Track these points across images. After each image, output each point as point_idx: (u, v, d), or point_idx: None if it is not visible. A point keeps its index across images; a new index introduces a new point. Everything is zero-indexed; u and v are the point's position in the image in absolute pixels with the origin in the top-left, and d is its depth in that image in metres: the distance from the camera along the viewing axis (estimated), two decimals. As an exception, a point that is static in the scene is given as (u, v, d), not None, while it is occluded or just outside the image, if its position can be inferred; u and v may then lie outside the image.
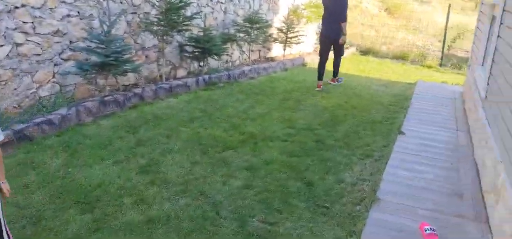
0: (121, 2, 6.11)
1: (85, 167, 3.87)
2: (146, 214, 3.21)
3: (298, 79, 8.55)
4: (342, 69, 8.94)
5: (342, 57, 8.32)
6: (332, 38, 7.86)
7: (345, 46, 8.43)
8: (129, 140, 4.56)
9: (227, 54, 8.78)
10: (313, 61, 10.89)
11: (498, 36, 4.88)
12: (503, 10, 4.81)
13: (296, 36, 9.98)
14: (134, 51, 6.47)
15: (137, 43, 6.56)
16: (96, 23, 5.64)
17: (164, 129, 4.98)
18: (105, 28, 5.38)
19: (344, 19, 7.64)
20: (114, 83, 6.12)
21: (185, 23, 6.73)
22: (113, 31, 5.85)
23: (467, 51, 12.82)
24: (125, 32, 6.27)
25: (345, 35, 7.79)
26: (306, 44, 11.69)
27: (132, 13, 6.35)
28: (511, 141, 3.22)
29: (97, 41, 5.33)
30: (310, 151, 4.63)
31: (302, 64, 10.49)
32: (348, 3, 7.79)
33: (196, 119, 5.43)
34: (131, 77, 6.44)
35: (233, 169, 4.06)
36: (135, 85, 6.48)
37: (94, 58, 5.36)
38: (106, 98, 5.38)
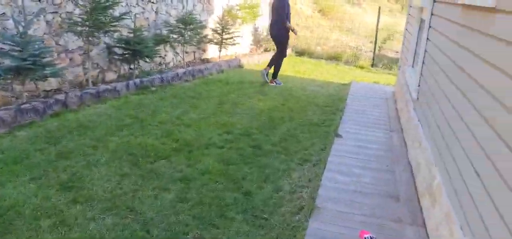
0: (39, 1, 5.59)
1: (-6, 186, 3.43)
2: (66, 238, 2.87)
3: (235, 81, 8.38)
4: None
5: (283, 58, 8.66)
6: (273, 35, 8.61)
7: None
8: (49, 152, 4.13)
9: (160, 56, 8.42)
10: (249, 62, 10.80)
11: (427, 39, 5.01)
12: (432, 14, 4.94)
13: (232, 37, 9.81)
14: (55, 53, 5.95)
15: (60, 45, 6.05)
16: (10, 23, 5.09)
17: (90, 138, 4.58)
18: (21, 29, 4.87)
19: (284, 18, 8.21)
20: (34, 89, 5.60)
21: (113, 23, 6.31)
22: (30, 32, 5.34)
23: (397, 52, 13.37)
24: (45, 33, 5.75)
25: (293, 31, 8.48)
26: (242, 45, 11.56)
27: (52, 12, 5.83)
28: (444, 144, 3.25)
29: (12, 43, 4.81)
30: (248, 158, 4.47)
31: (239, 65, 10.34)
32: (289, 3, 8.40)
33: (126, 127, 5.07)
34: (53, 82, 5.92)
35: (166, 181, 3.79)
36: (58, 90, 5.97)
37: (8, 62, 4.83)
38: (23, 106, 4.87)
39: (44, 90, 5.81)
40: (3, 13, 5.09)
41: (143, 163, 4.11)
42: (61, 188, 3.49)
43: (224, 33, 9.71)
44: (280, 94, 7.63)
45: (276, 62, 8.60)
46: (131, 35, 6.98)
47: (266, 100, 7.04)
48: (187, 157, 4.35)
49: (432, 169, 3.41)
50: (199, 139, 4.91)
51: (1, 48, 4.86)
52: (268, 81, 8.45)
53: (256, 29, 12.38)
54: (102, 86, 6.24)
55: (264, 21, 12.81)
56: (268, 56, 11.88)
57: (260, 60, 11.48)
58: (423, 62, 5.09)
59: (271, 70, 8.60)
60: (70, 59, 6.28)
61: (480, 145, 2.38)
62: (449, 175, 2.93)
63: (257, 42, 12.51)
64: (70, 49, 6.23)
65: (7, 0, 5.11)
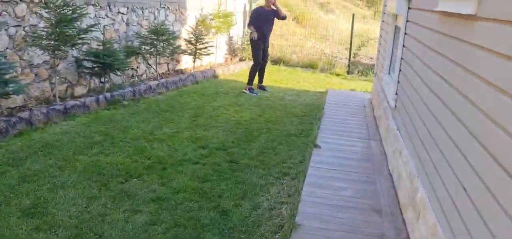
0: (0, 14, 5.30)
1: None
2: (27, 272, 2.64)
3: (210, 93, 8.21)
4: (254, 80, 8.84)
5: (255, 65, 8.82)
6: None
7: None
8: (11, 176, 3.85)
9: (132, 69, 8.17)
10: (224, 72, 10.64)
11: (404, 46, 4.96)
12: (407, 21, 4.90)
13: (206, 48, 9.62)
14: (19, 69, 5.65)
15: (24, 59, 5.74)
16: (-32, 38, 4.80)
17: (56, 159, 4.32)
18: (-20, 44, 4.59)
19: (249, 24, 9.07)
20: (-4, 107, 5.29)
21: (80, 36, 6.04)
22: (-9, 47, 5.06)
23: (372, 58, 13.43)
24: (7, 48, 5.45)
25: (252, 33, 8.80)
26: (217, 55, 11.40)
27: (15, 25, 5.54)
28: (425, 154, 3.15)
29: (-31, 60, 4.53)
30: (224, 173, 4.30)
31: (214, 76, 10.16)
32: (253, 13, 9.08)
33: (96, 144, 4.83)
34: (18, 99, 5.62)
35: (138, 202, 3.58)
36: (24, 107, 5.66)
37: (-34, 79, 4.54)
38: (-18, 126, 4.58)
39: (8, 108, 5.50)
40: (-39, 27, 4.79)
41: (113, 183, 3.88)
42: (23, 215, 3.24)
43: (198, 43, 9.52)
44: (257, 104, 7.49)
45: (250, 70, 8.92)
46: (101, 47, 6.72)
47: (242, 112, 6.89)
48: (160, 175, 4.15)
49: (414, 181, 3.31)
50: (173, 154, 4.71)
51: (-41, 65, 4.56)
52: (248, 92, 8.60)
53: (231, 39, 12.24)
54: (70, 102, 5.96)
55: (238, 31, 12.69)
56: (244, 65, 11.78)
57: (236, 69, 11.33)
58: (400, 70, 5.04)
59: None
60: (36, 75, 5.98)
61: (464, 156, 2.28)
62: (432, 187, 2.83)
63: (232, 51, 12.37)
64: (35, 64, 5.93)
65: (-36, 14, 4.82)
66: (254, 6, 11.69)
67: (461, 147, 2.36)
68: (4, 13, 5.36)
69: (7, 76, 4.90)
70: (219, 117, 6.44)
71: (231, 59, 12.25)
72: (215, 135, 5.55)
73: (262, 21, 8.76)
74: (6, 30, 5.40)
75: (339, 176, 4.35)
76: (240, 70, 11.44)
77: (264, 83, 9.21)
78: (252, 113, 6.84)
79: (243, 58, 12.44)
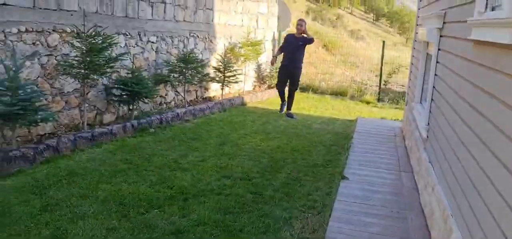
0: (33, 44, 5.44)
1: (-31, 246, 3.15)
2: None
3: (237, 121, 8.15)
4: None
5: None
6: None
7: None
8: (33, 204, 3.85)
9: (161, 96, 8.24)
10: (252, 100, 10.60)
11: (436, 75, 4.76)
12: (439, 49, 4.71)
13: (234, 75, 9.63)
14: (50, 97, 5.77)
15: (55, 87, 5.87)
16: (1, 67, 4.92)
17: (80, 187, 4.32)
18: (11, 73, 4.69)
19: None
20: (26, 133, 5.38)
21: (110, 65, 6.13)
22: (24, 75, 5.18)
23: (403, 86, 13.12)
24: (39, 77, 5.58)
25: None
26: (246, 83, 11.41)
27: (47, 54, 5.68)
28: (461, 192, 2.94)
29: (1, 88, 4.63)
30: (247, 205, 4.17)
31: (242, 103, 10.13)
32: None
33: (120, 173, 4.81)
34: (47, 126, 5.71)
35: (157, 235, 3.49)
36: (53, 134, 5.75)
37: (-2, 107, 4.63)
38: (11, 153, 4.63)
39: (38, 135, 5.60)
40: (-5, 57, 4.93)
41: (134, 214, 3.82)
42: (42, 246, 3.21)
43: (226, 71, 9.55)
44: (284, 133, 7.37)
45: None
46: (129, 75, 6.81)
47: (268, 140, 6.77)
48: (181, 206, 4.06)
49: (448, 220, 3.08)
50: (196, 184, 4.63)
51: (-9, 94, 4.67)
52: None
53: (259, 66, 12.24)
54: (97, 130, 6.01)
55: (267, 58, 12.68)
56: (272, 93, 11.74)
57: (264, 97, 11.28)
58: (431, 99, 4.83)
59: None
60: (66, 102, 6.09)
61: (505, 201, 2.08)
62: (469, 231, 2.61)
63: (260, 79, 12.35)
64: (65, 91, 6.05)
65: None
66: (283, 34, 11.69)
67: (502, 190, 2.15)
68: (37, 43, 5.51)
69: (37, 104, 4.99)
70: (245, 145, 6.35)
71: (260, 86, 12.22)
72: (240, 163, 5.45)
73: (289, 48, 9.05)
74: (38, 59, 5.54)
75: (367, 210, 4.15)
76: (268, 97, 11.38)
77: (292, 111, 9.14)
78: (279, 142, 6.72)
79: (272, 85, 12.39)
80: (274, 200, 4.35)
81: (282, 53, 9.34)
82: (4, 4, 4.98)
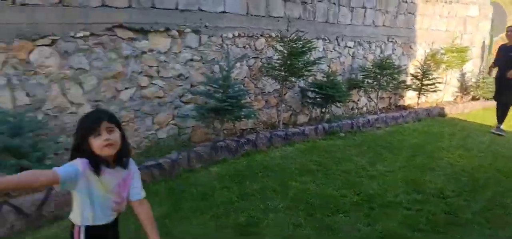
0: (243, 47, 6.11)
1: (183, 220, 3.71)
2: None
3: (433, 132, 7.59)
4: (490, 121, 7.84)
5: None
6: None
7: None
8: (233, 191, 4.33)
9: (353, 101, 8.27)
10: (452, 111, 9.73)
11: None
12: None
13: (433, 84, 8.96)
14: (253, 95, 6.39)
15: (258, 87, 6.48)
16: (217, 67, 5.69)
17: (272, 181, 4.67)
18: (224, 73, 5.37)
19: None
20: (231, 127, 6.08)
21: (307, 68, 6.44)
22: (234, 75, 5.86)
23: None
24: (245, 77, 6.24)
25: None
26: (446, 92, 10.51)
27: (254, 57, 6.31)
28: None
29: (215, 86, 5.34)
30: (439, 226, 3.84)
31: (439, 114, 9.37)
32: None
33: (309, 173, 5.02)
34: (249, 122, 6.36)
35: (340, 239, 3.54)
36: (252, 130, 6.37)
37: (211, 102, 5.36)
38: (218, 144, 5.30)
39: (241, 129, 6.27)
40: (213, 58, 5.72)
41: (320, 215, 3.93)
42: (237, 231, 3.56)
43: (424, 79, 8.97)
44: (488, 150, 6.55)
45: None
46: (325, 79, 7.02)
47: (469, 157, 6.11)
48: (367, 214, 4.01)
49: None
50: (383, 194, 4.50)
51: (208, 90, 5.43)
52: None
53: (463, 75, 11.11)
54: (291, 129, 6.39)
55: (474, 67, 11.42)
56: (477, 105, 10.57)
57: (466, 109, 10.20)
58: None
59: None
60: (266, 101, 6.66)
61: None
62: None
63: (463, 89, 11.20)
64: (266, 92, 6.61)
65: (217, 47, 5.74)
66: (496, 40, 10.39)
67: None
68: (247, 46, 6.17)
69: (242, 102, 5.59)
70: (440, 160, 5.86)
71: (462, 97, 11.10)
72: (433, 179, 5.07)
73: (500, 60, 8.12)
74: (247, 61, 6.19)
75: None
76: (471, 109, 10.26)
77: (503, 127, 8.05)
78: (481, 160, 5.99)
79: (477, 97, 11.12)
80: (472, 225, 3.91)
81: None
82: (223, 11, 5.73)
